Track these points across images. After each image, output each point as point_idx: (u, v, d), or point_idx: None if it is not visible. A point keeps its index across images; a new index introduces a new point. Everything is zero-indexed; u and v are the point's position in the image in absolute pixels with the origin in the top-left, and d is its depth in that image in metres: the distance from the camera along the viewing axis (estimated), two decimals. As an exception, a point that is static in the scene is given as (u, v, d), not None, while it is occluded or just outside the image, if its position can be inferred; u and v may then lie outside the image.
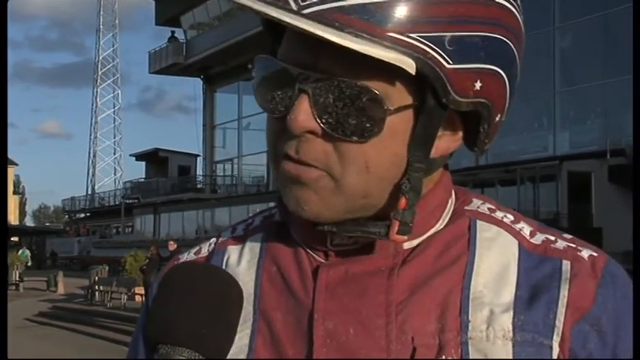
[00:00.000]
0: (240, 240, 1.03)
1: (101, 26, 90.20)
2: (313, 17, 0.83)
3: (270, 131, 0.92)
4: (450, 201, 0.99)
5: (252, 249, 1.01)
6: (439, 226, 0.96)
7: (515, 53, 0.91)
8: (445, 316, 0.90)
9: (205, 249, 1.05)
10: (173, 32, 47.69)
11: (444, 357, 0.89)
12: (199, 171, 50.85)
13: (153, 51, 49.88)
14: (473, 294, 0.91)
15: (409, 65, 0.83)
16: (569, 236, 0.98)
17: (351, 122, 0.86)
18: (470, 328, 0.89)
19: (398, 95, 0.86)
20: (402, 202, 0.89)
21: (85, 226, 62.10)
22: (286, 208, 0.94)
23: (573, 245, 0.96)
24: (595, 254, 0.95)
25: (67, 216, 76.68)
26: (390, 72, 0.84)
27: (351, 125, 0.86)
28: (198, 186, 48.68)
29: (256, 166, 44.07)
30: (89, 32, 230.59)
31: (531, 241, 0.96)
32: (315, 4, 0.83)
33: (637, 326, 0.92)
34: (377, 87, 0.85)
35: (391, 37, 0.83)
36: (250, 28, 38.12)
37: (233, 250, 1.02)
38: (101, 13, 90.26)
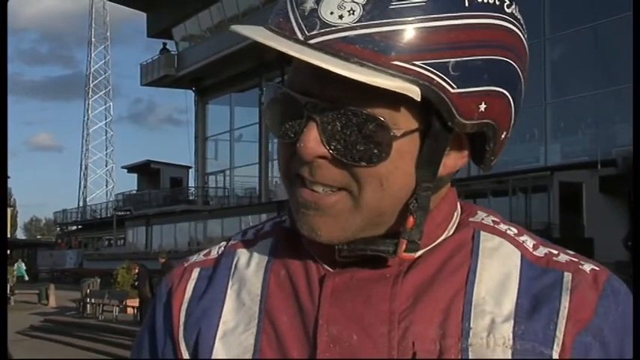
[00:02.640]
0: (251, 244, 1.05)
1: (93, 39, 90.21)
2: (319, 47, 0.86)
3: (283, 155, 0.95)
4: (455, 214, 1.01)
5: (261, 253, 1.03)
6: (444, 236, 0.99)
7: (519, 71, 0.93)
8: (447, 323, 0.91)
9: (215, 251, 1.07)
10: (165, 44, 47.69)
11: None
12: (191, 183, 50.78)
13: (144, 63, 49.89)
14: (475, 301, 0.93)
15: (414, 92, 0.85)
16: (572, 252, 1.00)
17: (359, 148, 0.88)
18: (471, 334, 0.91)
19: (404, 120, 0.88)
20: (410, 221, 0.92)
21: (76, 238, 61.87)
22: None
23: (575, 260, 0.98)
24: (597, 268, 0.97)
25: (58, 228, 76.39)
26: (395, 98, 0.86)
27: (360, 151, 0.88)
28: (191, 198, 48.56)
29: (248, 177, 44.04)
30: (79, 45, 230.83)
31: (534, 253, 0.98)
32: (322, 34, 0.86)
33: (637, 330, 0.93)
34: (383, 113, 0.87)
35: (396, 65, 0.85)
36: (242, 40, 38.12)
37: (243, 253, 1.04)
38: (93, 25, 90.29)
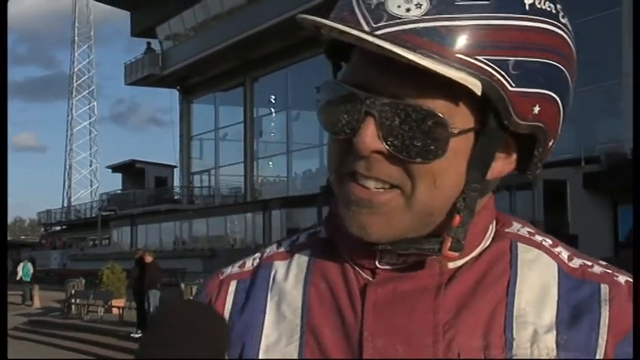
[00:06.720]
0: (287, 255, 1.05)
1: (76, 38, 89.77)
2: (386, 38, 0.86)
3: (335, 151, 0.95)
4: (491, 226, 1.02)
5: (299, 265, 1.03)
6: (482, 247, 1.00)
7: (570, 82, 0.96)
8: (490, 334, 0.93)
9: (250, 263, 1.07)
10: (149, 43, 47.52)
11: None
12: (176, 182, 50.65)
13: (129, 62, 49.70)
14: (516, 312, 0.94)
15: (476, 85, 0.87)
16: (604, 262, 1.02)
17: (416, 144, 0.89)
18: (514, 345, 0.92)
19: (461, 118, 0.90)
20: (457, 219, 0.93)
21: (61, 238, 61.61)
22: (333, 225, 0.98)
23: (609, 271, 0.99)
24: (631, 280, 0.98)
25: (42, 229, 75.99)
26: (454, 95, 0.89)
27: (417, 147, 0.89)
28: (175, 197, 48.45)
29: (233, 176, 43.97)
30: (59, 46, 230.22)
31: (569, 264, 0.99)
32: (387, 26, 0.87)
33: (637, 326, 0.95)
34: (441, 110, 0.89)
35: (460, 58, 0.87)
36: (226, 38, 38.08)
37: (280, 266, 1.04)
38: (76, 24, 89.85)
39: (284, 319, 0.99)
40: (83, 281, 25.52)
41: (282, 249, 1.07)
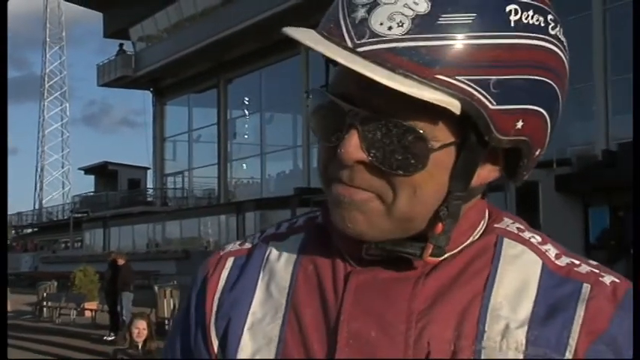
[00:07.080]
0: (283, 237, 1.09)
1: (48, 39, 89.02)
2: (367, 56, 0.88)
3: (323, 156, 0.97)
4: (482, 222, 1.03)
5: (292, 247, 1.07)
6: (468, 242, 1.01)
7: (557, 92, 0.96)
8: (463, 325, 0.95)
9: (249, 242, 1.11)
10: (121, 44, 47.24)
11: None
12: (149, 184, 50.42)
13: (101, 63, 49.37)
14: (492, 306, 0.96)
15: (455, 106, 0.88)
16: (595, 262, 1.02)
17: (397, 158, 0.91)
18: (485, 337, 0.94)
19: (442, 133, 0.91)
20: (439, 227, 0.95)
21: (32, 241, 61.01)
22: (329, 212, 1.00)
23: (597, 271, 0.99)
24: (617, 281, 0.98)
25: (13, 231, 75.22)
26: (435, 111, 0.89)
27: (397, 160, 0.91)
28: (149, 199, 48.17)
29: (207, 178, 43.83)
30: (31, 47, 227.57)
31: (556, 262, 1.00)
32: (370, 43, 0.88)
33: (637, 328, 0.95)
34: (422, 126, 0.90)
35: (439, 79, 0.88)
36: (200, 40, 37.96)
37: (275, 246, 1.08)
38: (47, 25, 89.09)
39: (271, 298, 1.03)
40: (55, 284, 25.23)
41: (280, 230, 1.11)
